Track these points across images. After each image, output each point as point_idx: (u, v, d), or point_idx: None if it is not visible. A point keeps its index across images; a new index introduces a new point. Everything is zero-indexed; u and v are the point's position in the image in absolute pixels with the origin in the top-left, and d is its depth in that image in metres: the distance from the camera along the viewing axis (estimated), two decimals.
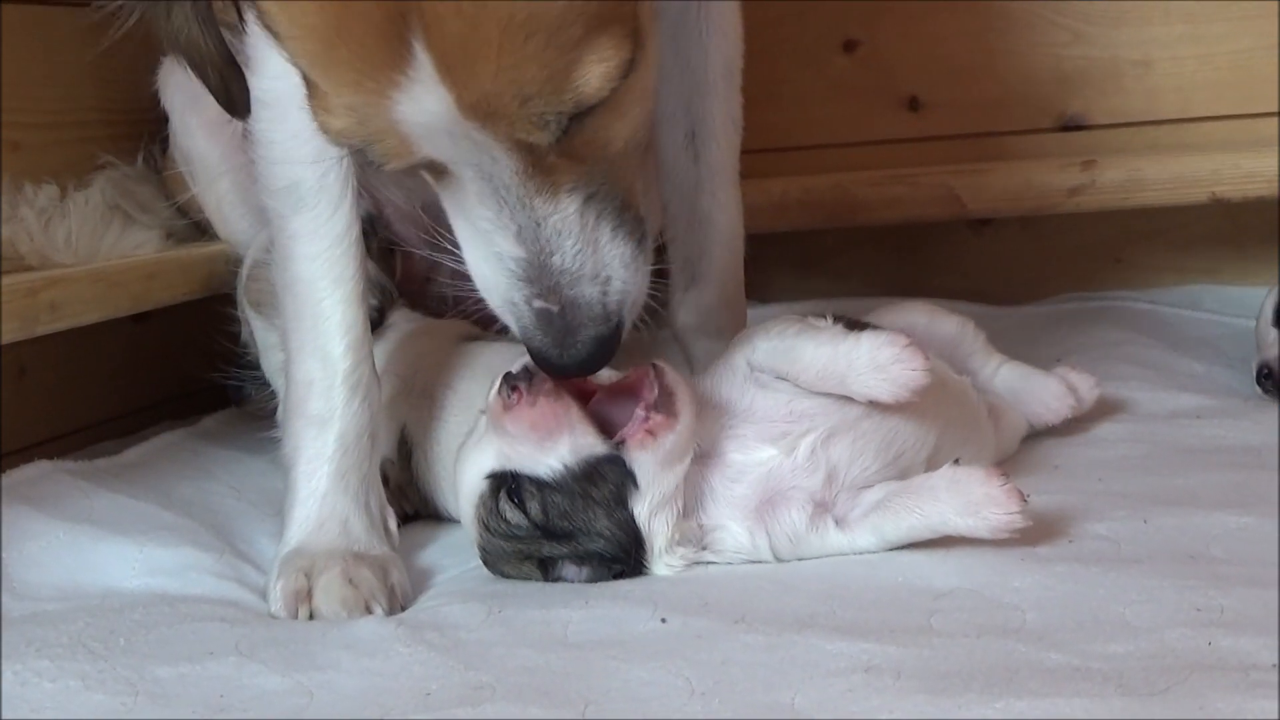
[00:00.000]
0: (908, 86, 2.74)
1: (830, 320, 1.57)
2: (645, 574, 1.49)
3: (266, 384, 1.97)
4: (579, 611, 1.40)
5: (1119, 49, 2.64)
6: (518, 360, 1.46)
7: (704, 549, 1.50)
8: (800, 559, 1.49)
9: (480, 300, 1.42)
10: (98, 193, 2.21)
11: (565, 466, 1.43)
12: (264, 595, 1.54)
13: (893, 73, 2.74)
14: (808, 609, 1.36)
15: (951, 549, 1.45)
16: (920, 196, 2.53)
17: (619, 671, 1.25)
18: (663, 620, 1.36)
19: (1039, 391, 1.87)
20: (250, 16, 1.56)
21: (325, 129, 1.28)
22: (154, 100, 2.17)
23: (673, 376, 1.47)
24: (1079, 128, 2.66)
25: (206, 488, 1.89)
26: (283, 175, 1.59)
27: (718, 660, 1.26)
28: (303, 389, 1.60)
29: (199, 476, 1.94)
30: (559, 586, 1.49)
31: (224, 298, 2.06)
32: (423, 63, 1.20)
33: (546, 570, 1.49)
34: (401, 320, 1.95)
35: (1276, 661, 1.16)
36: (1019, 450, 1.83)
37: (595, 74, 1.26)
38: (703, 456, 1.50)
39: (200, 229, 2.23)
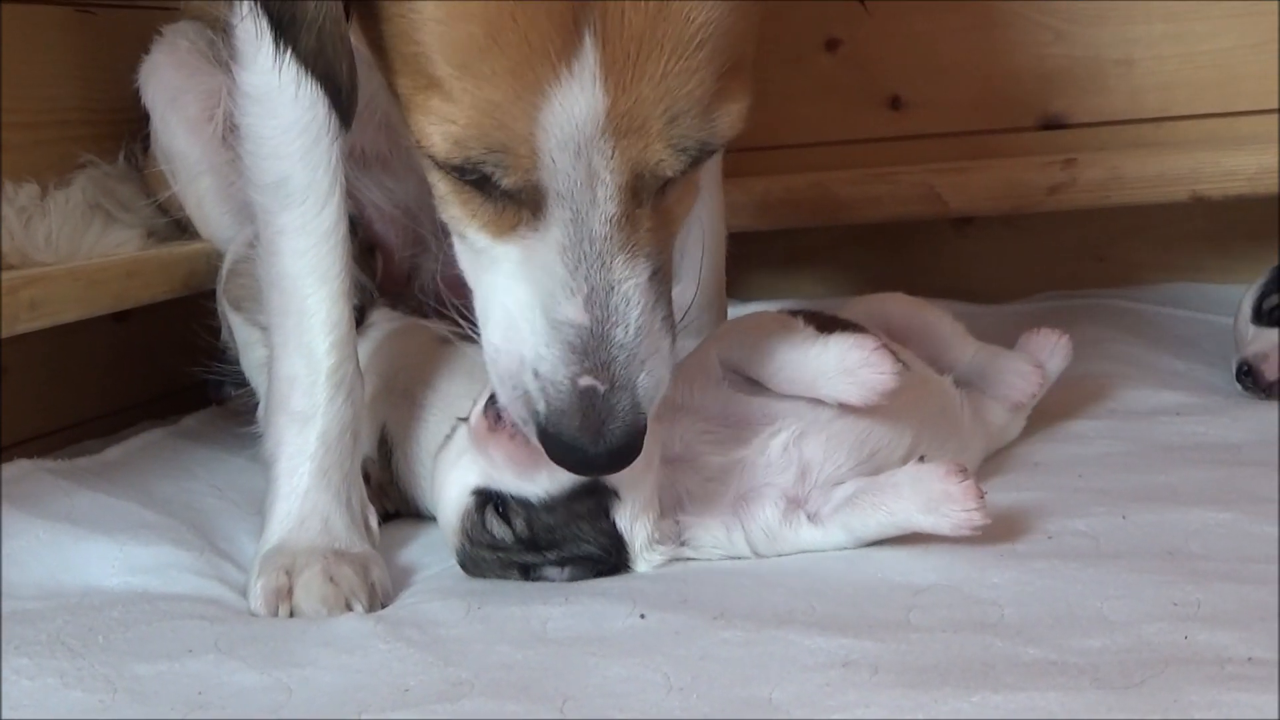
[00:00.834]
0: (890, 85, 2.74)
1: (802, 321, 1.56)
2: (626, 572, 1.49)
3: (246, 382, 1.97)
4: (558, 608, 1.40)
5: (1101, 48, 2.64)
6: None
7: (683, 545, 1.50)
8: (778, 554, 1.50)
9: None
10: (79, 191, 2.20)
11: (550, 494, 1.43)
12: (244, 593, 1.54)
13: (874, 72, 2.74)
14: (786, 605, 1.36)
15: (930, 545, 1.45)
16: (902, 195, 2.53)
17: (597, 667, 1.26)
18: (641, 616, 1.36)
19: (1004, 372, 1.85)
20: (244, 10, 1.57)
21: (442, 139, 1.23)
22: (135, 98, 2.17)
23: None
24: (1061, 126, 2.67)
25: (187, 486, 1.89)
26: (271, 170, 1.58)
27: (696, 656, 1.26)
28: (286, 385, 1.59)
29: (180, 475, 1.94)
30: (539, 583, 1.49)
31: (205, 295, 2.06)
32: (589, 59, 1.18)
33: (528, 573, 1.49)
34: (382, 320, 1.94)
35: (1253, 655, 1.16)
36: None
37: (733, 111, 1.27)
38: (677, 458, 1.50)
39: (181, 228, 2.22)
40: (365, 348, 1.85)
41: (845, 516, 1.47)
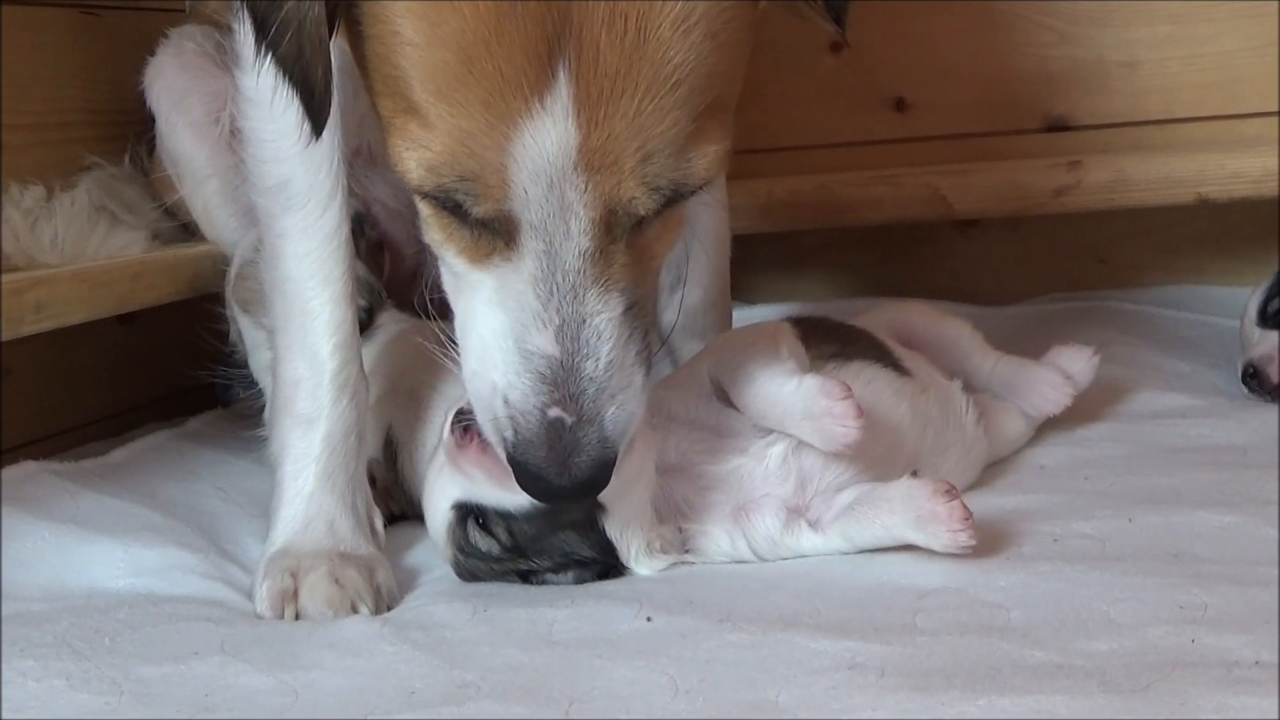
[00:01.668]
0: (893, 87, 2.74)
1: (786, 351, 1.54)
2: (629, 574, 1.49)
3: (254, 383, 1.97)
4: (564, 610, 1.40)
5: (1105, 50, 2.64)
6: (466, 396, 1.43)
7: (686, 552, 1.50)
8: (782, 559, 1.50)
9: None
10: (84, 193, 2.20)
11: (530, 503, 1.42)
12: (249, 595, 1.54)
13: (878, 73, 2.74)
14: (792, 608, 1.36)
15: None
16: (906, 197, 2.53)
17: (603, 670, 1.26)
18: (648, 619, 1.36)
19: (1035, 383, 1.87)
20: (242, 15, 1.57)
21: (417, 165, 1.24)
22: (140, 101, 2.17)
23: None
24: (1064, 128, 2.67)
25: (192, 488, 1.89)
26: (272, 174, 1.58)
27: (702, 659, 1.26)
28: (290, 388, 1.60)
29: (185, 477, 1.94)
30: (545, 587, 1.49)
31: (210, 298, 2.06)
32: (562, 93, 1.19)
33: (527, 579, 1.49)
34: (389, 321, 1.95)
35: (1259, 659, 1.16)
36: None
37: (709, 154, 1.26)
38: (674, 469, 1.51)
39: (187, 230, 2.22)
40: (371, 349, 1.85)
41: (844, 525, 1.47)
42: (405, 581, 1.58)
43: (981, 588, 1.37)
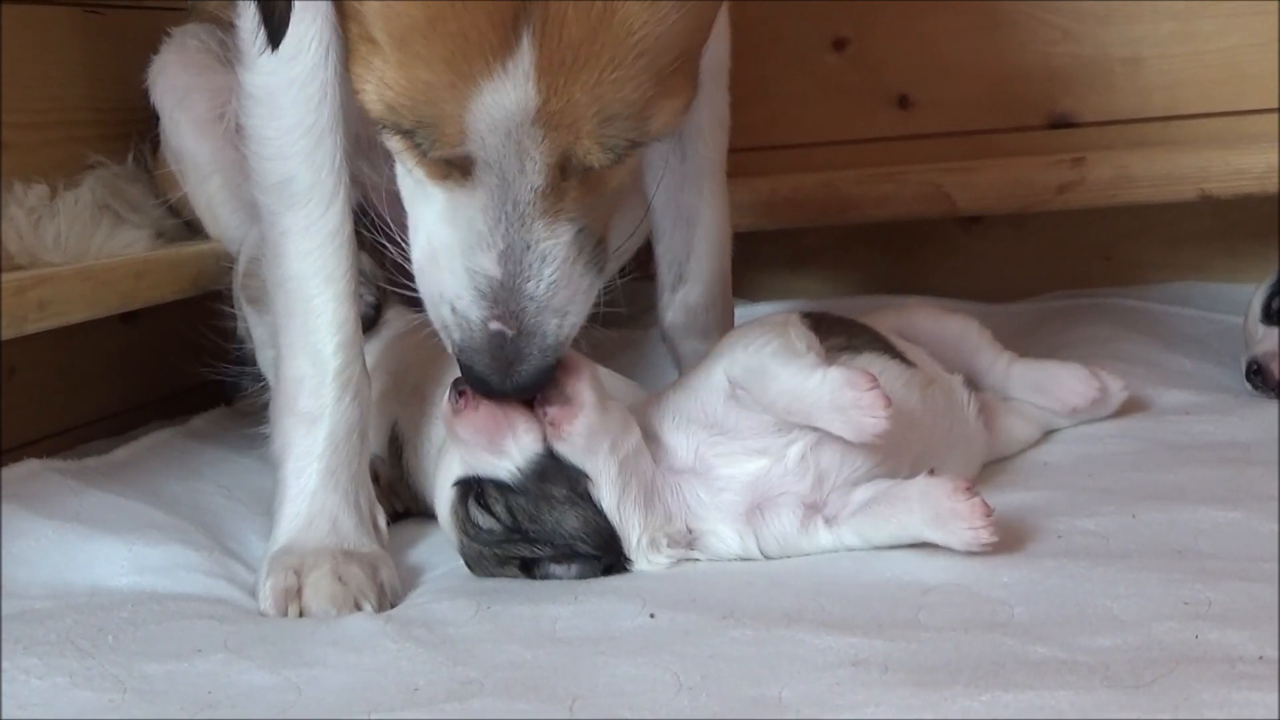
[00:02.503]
0: (897, 84, 2.74)
1: (805, 345, 1.55)
2: (632, 568, 1.49)
3: (260, 378, 1.96)
4: (567, 607, 1.40)
5: (1108, 47, 2.64)
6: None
7: (692, 549, 1.50)
8: (789, 556, 1.50)
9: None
10: (88, 192, 2.20)
11: (519, 469, 1.44)
12: (253, 593, 1.54)
13: (882, 71, 2.74)
14: (796, 604, 1.36)
15: (940, 545, 1.45)
16: (910, 194, 2.53)
17: (606, 666, 1.26)
18: (651, 615, 1.36)
19: (1064, 379, 1.88)
20: (244, 11, 1.57)
21: (377, 100, 1.28)
22: (144, 99, 2.17)
23: (570, 366, 1.45)
24: (1068, 125, 2.66)
25: (196, 486, 1.89)
26: (275, 171, 1.58)
27: (705, 655, 1.26)
28: (293, 386, 1.59)
29: (188, 475, 1.94)
30: (548, 583, 1.49)
31: (213, 295, 2.06)
32: (524, 59, 1.21)
33: (531, 570, 1.49)
34: (395, 318, 1.95)
35: (1263, 654, 1.16)
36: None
37: (669, 109, 1.29)
38: (688, 470, 1.51)
39: (191, 228, 2.22)
40: (376, 345, 1.85)
41: (859, 523, 1.47)
42: (408, 579, 1.58)
43: (985, 584, 1.37)
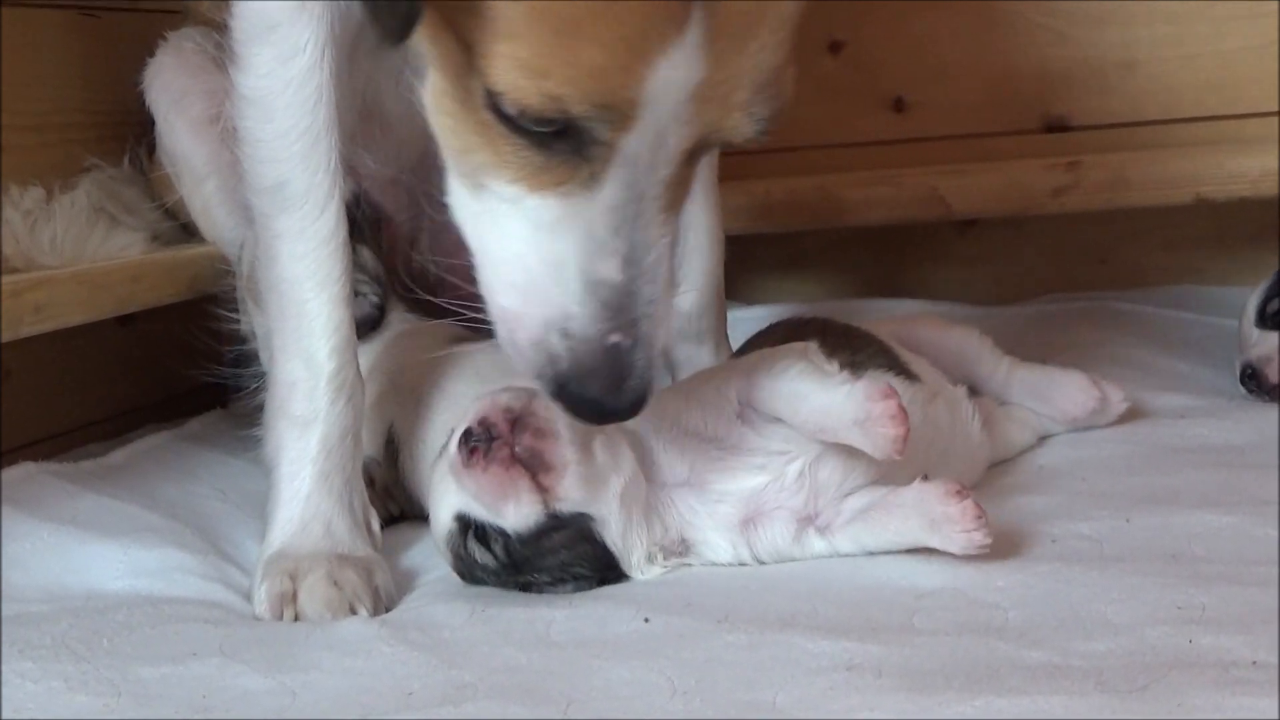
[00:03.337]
0: (893, 87, 2.74)
1: (825, 358, 1.55)
2: (628, 580, 1.49)
3: (261, 377, 1.95)
4: (562, 611, 1.40)
5: (1103, 50, 2.65)
6: (476, 411, 1.43)
7: (686, 556, 1.50)
8: (782, 562, 1.50)
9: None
10: (83, 195, 2.20)
11: (521, 530, 1.42)
12: (248, 597, 1.54)
13: (878, 73, 2.74)
14: (790, 608, 1.36)
15: (935, 549, 1.45)
16: (905, 197, 2.53)
17: (601, 670, 1.26)
18: (646, 620, 1.36)
19: (1064, 387, 1.88)
20: (238, 13, 1.57)
21: (534, 92, 1.22)
22: (140, 102, 2.16)
23: (542, 431, 1.42)
24: (1063, 129, 2.67)
25: (191, 490, 1.89)
26: (270, 174, 1.57)
27: (700, 659, 1.26)
28: (286, 389, 1.59)
29: (184, 479, 1.94)
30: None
31: (210, 299, 2.05)
32: (695, 31, 1.19)
33: (527, 589, 1.48)
34: (396, 321, 1.95)
35: (1257, 659, 1.16)
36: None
37: (791, 77, 1.28)
38: (682, 483, 1.50)
39: (187, 231, 2.22)
40: (374, 347, 1.85)
41: (856, 531, 1.47)
42: (403, 583, 1.58)
43: (979, 588, 1.37)
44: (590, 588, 1.48)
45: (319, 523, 1.55)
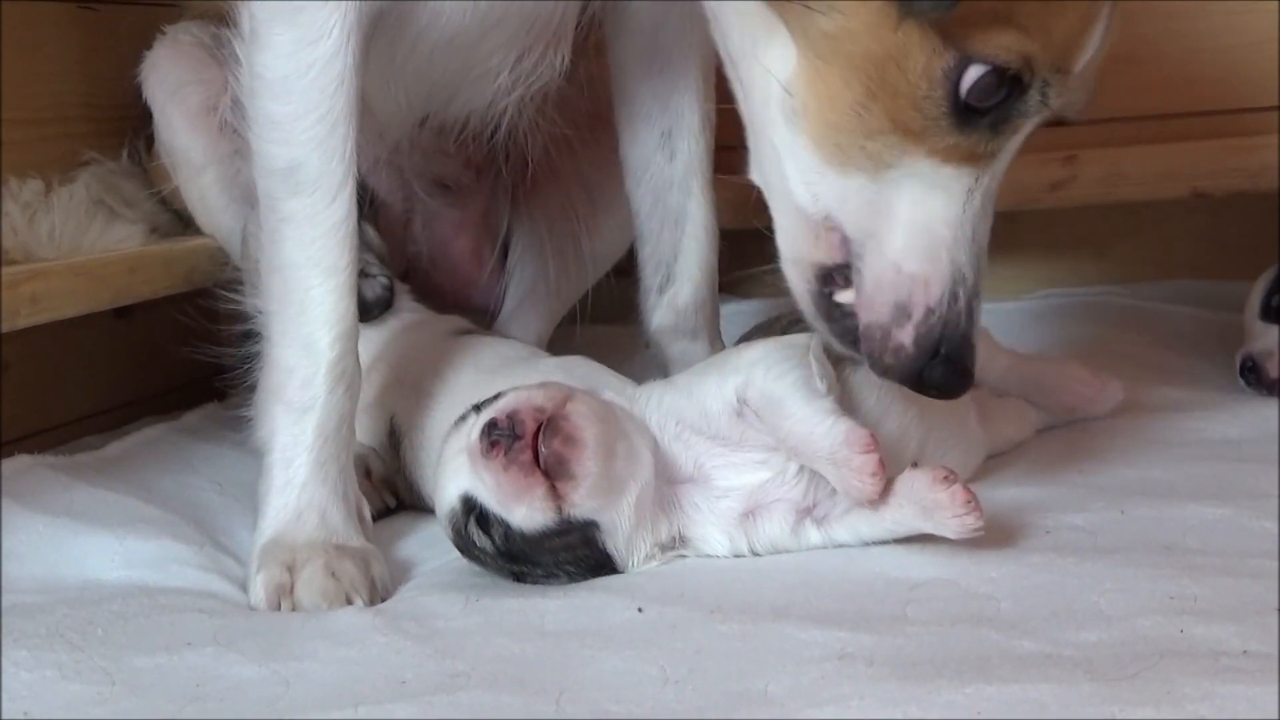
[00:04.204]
0: None
1: (829, 374, 1.54)
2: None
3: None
4: (556, 601, 1.40)
5: None
6: (508, 402, 1.43)
7: (682, 550, 1.50)
8: (777, 553, 1.50)
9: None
10: (82, 188, 2.20)
11: (523, 529, 1.42)
12: (243, 587, 1.53)
13: None
14: (783, 599, 1.36)
15: (928, 540, 1.45)
16: None
17: (594, 660, 1.26)
18: (639, 610, 1.36)
19: (1062, 379, 1.89)
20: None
21: (1017, 54, 1.34)
22: (138, 95, 2.16)
23: (573, 438, 1.41)
24: (1061, 122, 2.65)
25: (188, 482, 1.89)
26: (282, 156, 1.55)
27: (692, 649, 1.26)
28: (282, 375, 1.57)
29: (180, 471, 1.94)
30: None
31: (207, 293, 2.06)
32: (1104, 21, 1.38)
33: (520, 579, 1.48)
34: (406, 310, 1.95)
35: (1248, 648, 1.16)
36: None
37: None
38: (686, 480, 1.51)
39: (184, 223, 2.22)
40: (379, 336, 1.86)
41: (854, 520, 1.47)
42: (399, 574, 1.58)
43: (972, 579, 1.38)
44: (584, 580, 1.48)
45: (314, 511, 1.54)
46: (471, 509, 1.44)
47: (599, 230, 2.20)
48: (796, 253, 1.54)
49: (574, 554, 1.45)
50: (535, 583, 1.47)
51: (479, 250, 2.22)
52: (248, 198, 1.93)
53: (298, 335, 1.57)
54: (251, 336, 1.88)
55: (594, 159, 2.14)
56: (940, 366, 1.43)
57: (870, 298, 1.46)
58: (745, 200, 2.51)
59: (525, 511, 1.40)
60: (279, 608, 1.48)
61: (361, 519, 1.60)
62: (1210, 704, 1.06)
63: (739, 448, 1.51)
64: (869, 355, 1.47)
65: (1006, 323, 2.38)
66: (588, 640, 1.30)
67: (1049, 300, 2.63)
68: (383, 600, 1.50)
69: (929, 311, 1.43)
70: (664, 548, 1.49)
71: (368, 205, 1.96)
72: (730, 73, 1.54)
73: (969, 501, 1.40)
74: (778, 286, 2.79)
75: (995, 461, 1.78)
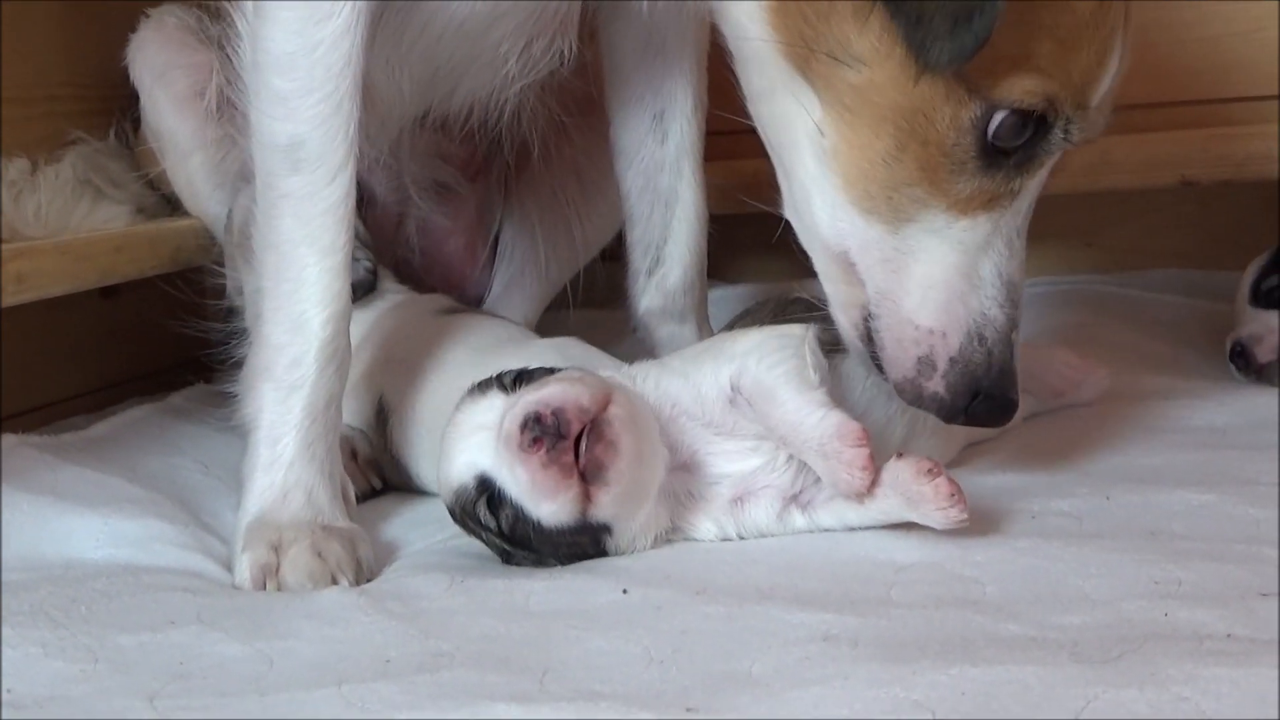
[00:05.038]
0: None
1: (823, 365, 1.53)
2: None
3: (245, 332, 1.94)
4: (541, 582, 1.40)
5: None
6: (551, 396, 1.39)
7: (670, 536, 1.50)
8: (763, 537, 1.50)
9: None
10: (69, 167, 2.20)
11: (542, 523, 1.41)
12: (228, 566, 1.53)
13: None
14: (769, 581, 1.36)
15: (914, 525, 1.45)
16: None
17: (579, 640, 1.26)
18: (624, 591, 1.36)
19: (1048, 365, 1.89)
20: None
21: (1039, 94, 1.38)
22: (125, 75, 2.16)
23: (615, 445, 1.40)
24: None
25: (173, 462, 1.89)
26: (284, 132, 1.54)
27: (677, 630, 1.26)
28: (272, 352, 1.56)
29: (166, 451, 1.94)
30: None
31: (194, 271, 2.05)
32: (1120, 37, 1.39)
33: (508, 560, 1.48)
34: (391, 290, 1.95)
35: (1231, 632, 1.17)
36: None
37: None
38: (682, 466, 1.50)
39: (171, 204, 2.22)
40: (368, 316, 1.85)
41: (839, 507, 1.47)
42: (384, 554, 1.57)
43: (958, 562, 1.38)
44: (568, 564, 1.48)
45: (300, 491, 1.53)
46: (486, 489, 1.43)
47: (589, 213, 2.20)
48: (840, 298, 1.55)
49: (576, 549, 1.45)
50: (521, 565, 1.47)
51: (473, 247, 2.22)
52: (235, 183, 1.92)
53: (290, 313, 1.55)
54: (236, 313, 1.88)
55: (586, 143, 2.14)
56: (983, 404, 1.47)
57: (893, 356, 1.49)
58: (737, 186, 2.52)
59: (553, 509, 1.39)
60: (264, 588, 1.47)
61: (346, 500, 1.59)
62: (1194, 686, 1.06)
63: (731, 435, 1.51)
64: (912, 404, 1.52)
65: None
66: (572, 621, 1.30)
67: (1037, 288, 2.63)
68: (368, 581, 1.50)
69: (952, 362, 1.46)
70: (659, 539, 1.49)
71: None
72: (751, 109, 1.59)
73: (953, 494, 1.40)
74: (766, 272, 2.81)
75: (982, 447, 1.78)
